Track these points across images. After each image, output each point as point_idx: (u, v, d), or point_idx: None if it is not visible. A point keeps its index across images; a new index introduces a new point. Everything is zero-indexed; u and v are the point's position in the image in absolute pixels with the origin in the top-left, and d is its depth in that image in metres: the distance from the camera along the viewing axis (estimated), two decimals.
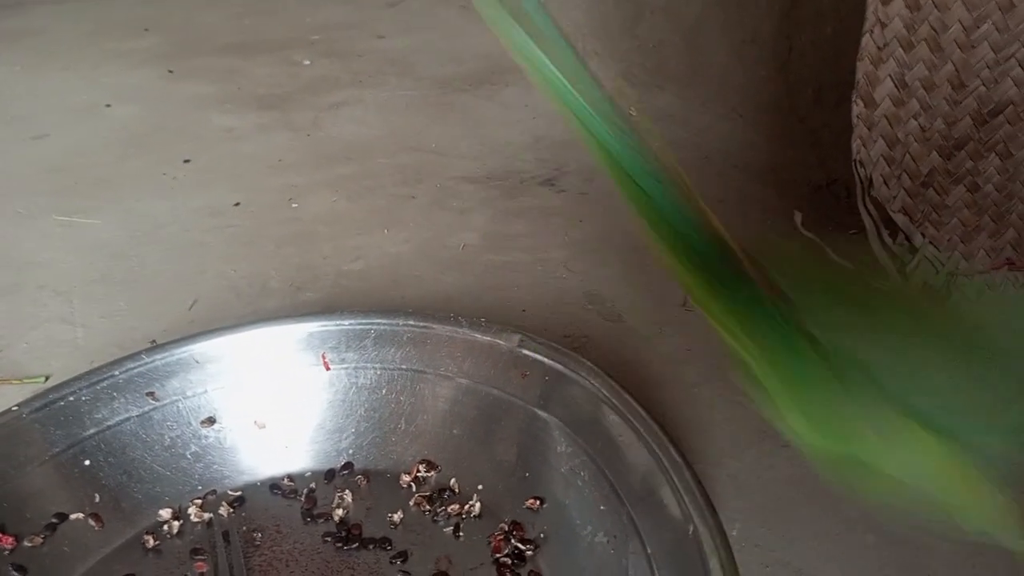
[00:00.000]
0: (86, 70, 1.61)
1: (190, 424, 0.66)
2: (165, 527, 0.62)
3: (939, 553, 0.60)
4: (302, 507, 0.64)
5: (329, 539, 0.61)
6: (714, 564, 0.48)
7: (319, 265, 0.95)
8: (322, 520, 0.63)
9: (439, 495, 0.64)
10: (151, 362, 0.66)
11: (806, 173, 1.03)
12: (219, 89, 1.50)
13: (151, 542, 0.61)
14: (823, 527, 0.62)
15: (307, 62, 1.64)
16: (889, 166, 0.67)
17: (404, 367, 0.68)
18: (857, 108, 0.66)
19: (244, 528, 0.63)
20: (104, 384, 0.64)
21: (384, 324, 0.69)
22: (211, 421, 0.67)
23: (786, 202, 1.02)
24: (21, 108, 1.43)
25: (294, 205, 1.09)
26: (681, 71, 1.25)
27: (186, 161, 1.22)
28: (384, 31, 1.78)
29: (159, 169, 1.20)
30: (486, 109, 1.38)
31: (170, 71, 1.60)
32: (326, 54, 1.66)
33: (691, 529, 0.51)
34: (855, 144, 0.67)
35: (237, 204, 1.09)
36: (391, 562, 0.60)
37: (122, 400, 0.65)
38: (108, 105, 1.44)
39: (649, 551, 0.52)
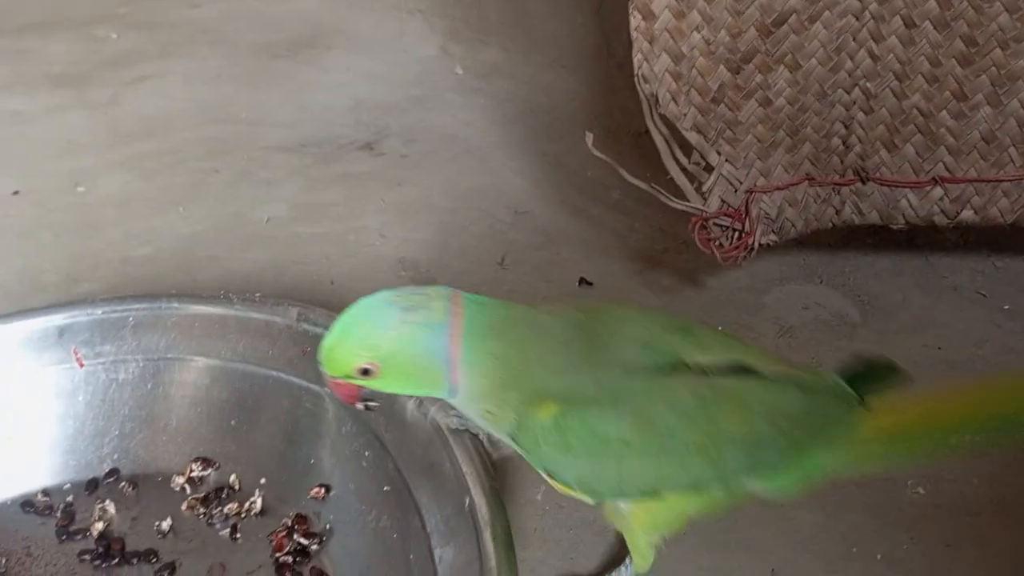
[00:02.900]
0: None
1: None
2: None
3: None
4: (57, 524, 0.56)
5: (87, 557, 0.54)
6: (487, 536, 0.44)
7: (102, 252, 0.85)
8: (80, 536, 0.56)
9: (216, 495, 0.57)
10: None
11: (627, 120, 1.00)
12: (8, 71, 1.35)
13: None
14: None
15: (114, 35, 1.50)
16: (676, 82, 0.63)
17: (171, 356, 0.61)
18: (635, 21, 0.61)
19: None
20: None
21: (144, 309, 0.61)
22: None
23: (606, 150, 0.99)
24: None
25: (80, 189, 0.98)
26: (504, 24, 1.20)
27: None
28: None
29: None
30: (305, 75, 1.29)
31: None
32: (133, 26, 1.52)
33: (467, 501, 0.46)
34: (636, 59, 0.62)
35: (15, 193, 0.98)
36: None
37: None
38: None
39: (428, 529, 0.48)
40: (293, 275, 0.82)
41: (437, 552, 0.47)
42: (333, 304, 0.71)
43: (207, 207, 0.94)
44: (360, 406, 0.47)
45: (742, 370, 0.44)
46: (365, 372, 0.42)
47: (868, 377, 0.46)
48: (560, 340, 0.43)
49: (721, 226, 0.66)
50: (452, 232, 0.88)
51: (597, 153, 0.67)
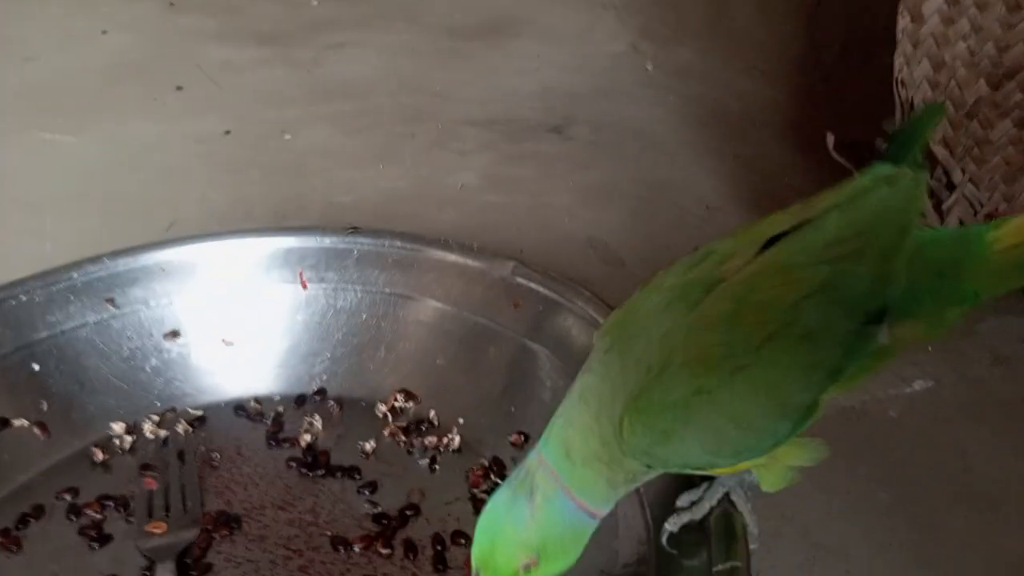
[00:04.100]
0: None
1: (152, 336, 0.61)
2: (116, 441, 0.58)
3: (954, 512, 0.55)
4: (267, 430, 0.59)
5: (293, 464, 0.57)
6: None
7: (307, 195, 0.90)
8: (288, 445, 0.58)
9: (416, 426, 0.59)
10: (113, 266, 0.61)
11: (826, 132, 0.98)
12: (219, 23, 1.44)
13: (99, 456, 0.56)
14: (834, 483, 0.57)
15: (314, 2, 1.58)
16: (933, 91, 0.62)
17: (387, 291, 0.63)
18: (903, 22, 0.60)
19: (202, 448, 0.58)
20: (60, 286, 0.60)
21: (368, 244, 0.64)
22: (175, 334, 0.62)
23: (806, 159, 0.97)
24: (14, 30, 1.38)
25: (287, 137, 1.03)
26: (702, 25, 1.20)
27: (179, 88, 1.16)
28: None
29: (150, 95, 1.14)
30: (494, 58, 1.32)
31: (171, 3, 1.54)
32: None
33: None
34: (898, 61, 0.61)
35: (227, 132, 1.04)
36: (359, 491, 0.55)
37: (79, 304, 0.60)
38: (104, 32, 1.38)
39: (641, 490, 0.48)
40: (484, 239, 0.83)
41: (650, 512, 0.47)
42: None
43: (403, 167, 0.97)
44: None
45: (771, 242, 0.40)
46: (527, 568, 0.42)
47: (913, 137, 0.42)
48: (599, 390, 0.42)
49: None
50: (641, 219, 0.88)
51: (837, 157, 0.65)
